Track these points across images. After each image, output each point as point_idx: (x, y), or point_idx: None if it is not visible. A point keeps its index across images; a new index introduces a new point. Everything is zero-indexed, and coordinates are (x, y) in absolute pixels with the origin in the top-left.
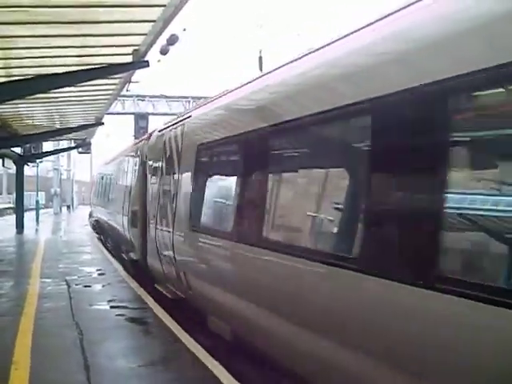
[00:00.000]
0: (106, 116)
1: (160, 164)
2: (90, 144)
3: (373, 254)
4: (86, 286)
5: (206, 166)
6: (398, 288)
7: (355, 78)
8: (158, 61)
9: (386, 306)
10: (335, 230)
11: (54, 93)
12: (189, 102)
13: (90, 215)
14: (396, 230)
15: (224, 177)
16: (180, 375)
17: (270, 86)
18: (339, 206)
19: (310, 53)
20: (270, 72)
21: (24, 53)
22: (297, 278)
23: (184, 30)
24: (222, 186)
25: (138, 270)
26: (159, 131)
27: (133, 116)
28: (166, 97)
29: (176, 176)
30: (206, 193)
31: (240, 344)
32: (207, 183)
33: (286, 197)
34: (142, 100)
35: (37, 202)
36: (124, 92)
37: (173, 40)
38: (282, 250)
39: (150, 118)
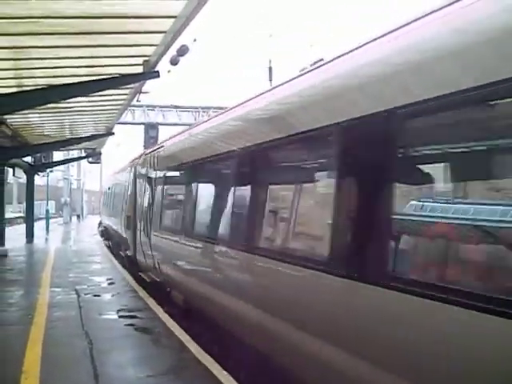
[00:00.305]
0: (116, 126)
1: (143, 180)
2: (100, 154)
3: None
4: (95, 296)
5: (169, 182)
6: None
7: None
8: (169, 71)
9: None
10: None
11: (65, 103)
12: (198, 112)
13: (100, 224)
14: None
15: (178, 189)
16: None
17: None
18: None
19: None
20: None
21: (35, 63)
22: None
23: (194, 40)
24: (174, 198)
25: (131, 264)
26: (145, 154)
27: (143, 126)
28: (176, 107)
29: (152, 189)
30: (167, 202)
31: (190, 308)
32: (167, 195)
33: (217, 194)
34: (152, 110)
35: (47, 211)
36: (134, 102)
37: (183, 51)
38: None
39: (160, 127)
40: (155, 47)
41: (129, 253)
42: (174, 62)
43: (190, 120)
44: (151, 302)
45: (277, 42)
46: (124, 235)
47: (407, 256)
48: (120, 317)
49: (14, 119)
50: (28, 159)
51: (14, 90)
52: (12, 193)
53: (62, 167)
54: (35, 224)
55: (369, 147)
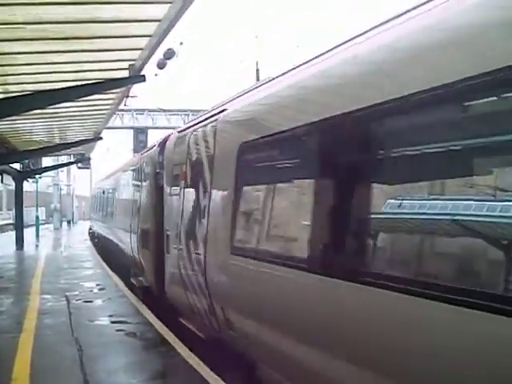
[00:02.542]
0: (105, 130)
1: (183, 173)
2: (89, 159)
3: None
4: (85, 302)
5: (252, 175)
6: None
7: None
8: (156, 75)
9: None
10: None
11: (53, 108)
12: (187, 115)
13: (90, 229)
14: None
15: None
16: None
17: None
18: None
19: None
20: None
21: (22, 69)
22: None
23: (181, 43)
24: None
25: (150, 297)
26: (179, 131)
27: (132, 130)
28: (165, 110)
29: (204, 189)
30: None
31: None
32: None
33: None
34: (141, 114)
35: (37, 217)
36: (122, 106)
37: (169, 54)
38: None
39: (150, 131)
40: (140, 51)
41: (144, 282)
42: (161, 66)
43: (179, 123)
44: (141, 307)
45: (263, 44)
46: (135, 255)
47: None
48: (111, 322)
49: (1, 125)
50: (16, 165)
51: (1, 96)
52: (1, 199)
53: (51, 173)
54: (25, 230)
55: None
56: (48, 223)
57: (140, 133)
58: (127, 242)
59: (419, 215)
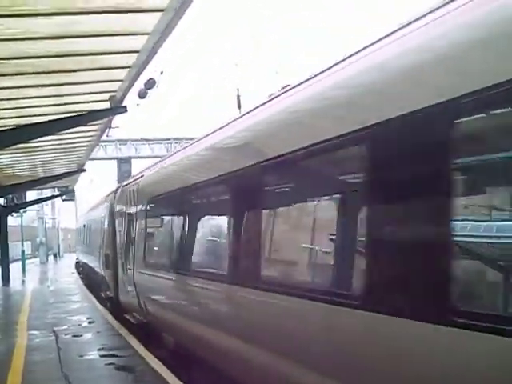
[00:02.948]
0: (88, 162)
1: (122, 214)
2: (73, 191)
3: None
4: (74, 336)
5: (152, 216)
6: None
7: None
8: (137, 105)
9: None
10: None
11: (35, 142)
12: (170, 143)
13: (77, 262)
14: None
15: (161, 222)
16: None
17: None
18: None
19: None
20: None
21: (2, 104)
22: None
23: (161, 73)
24: (159, 231)
25: (112, 304)
26: (123, 186)
27: (115, 161)
28: (148, 140)
29: (133, 223)
30: (151, 236)
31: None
32: (150, 229)
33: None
34: (124, 144)
35: (22, 252)
36: (105, 137)
37: (150, 84)
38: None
39: (133, 161)
40: (120, 82)
41: (109, 293)
42: (142, 96)
43: (163, 152)
44: (131, 339)
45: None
46: (103, 275)
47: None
48: (100, 356)
49: None
50: (0, 200)
51: None
52: None
53: (35, 206)
54: (11, 266)
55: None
56: (34, 257)
57: (124, 163)
58: (98, 265)
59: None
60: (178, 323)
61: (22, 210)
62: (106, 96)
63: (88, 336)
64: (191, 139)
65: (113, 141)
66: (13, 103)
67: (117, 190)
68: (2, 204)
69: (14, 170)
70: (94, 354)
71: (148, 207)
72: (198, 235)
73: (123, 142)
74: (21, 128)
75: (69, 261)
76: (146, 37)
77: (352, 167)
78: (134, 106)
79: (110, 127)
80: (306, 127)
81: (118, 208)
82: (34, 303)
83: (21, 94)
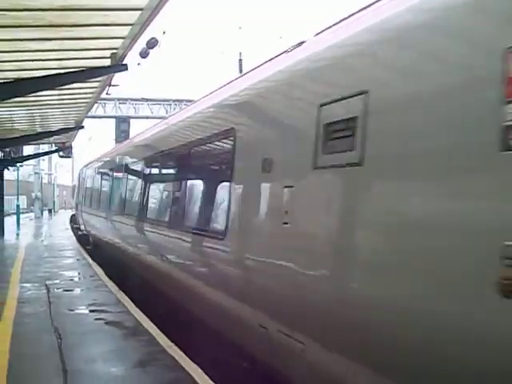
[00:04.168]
0: (87, 119)
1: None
2: (71, 147)
3: None
4: (66, 291)
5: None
6: None
7: None
8: (138, 64)
9: None
10: None
11: (34, 96)
12: (170, 104)
13: (72, 218)
14: None
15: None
16: (158, 377)
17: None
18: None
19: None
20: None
21: (2, 56)
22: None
23: (164, 33)
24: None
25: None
26: (85, 166)
27: (114, 119)
28: (148, 100)
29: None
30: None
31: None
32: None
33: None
34: (124, 103)
35: (17, 206)
36: (104, 95)
37: (152, 43)
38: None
39: (132, 121)
40: (123, 40)
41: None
42: (143, 55)
43: (162, 113)
44: (121, 296)
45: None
46: (80, 216)
47: None
48: (90, 311)
49: None
50: None
51: None
52: None
53: (32, 161)
54: (6, 219)
55: None
56: (29, 212)
57: (122, 122)
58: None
59: None
60: (97, 234)
61: (18, 164)
62: (108, 53)
63: (78, 291)
64: (190, 101)
65: (112, 99)
66: (13, 56)
67: (82, 168)
68: None
69: (12, 124)
70: (84, 309)
71: (91, 179)
72: (109, 189)
73: (123, 100)
74: (20, 81)
75: (63, 217)
76: None
77: None
78: (135, 65)
79: (110, 85)
80: None
81: (81, 177)
82: (28, 257)
83: (21, 47)
